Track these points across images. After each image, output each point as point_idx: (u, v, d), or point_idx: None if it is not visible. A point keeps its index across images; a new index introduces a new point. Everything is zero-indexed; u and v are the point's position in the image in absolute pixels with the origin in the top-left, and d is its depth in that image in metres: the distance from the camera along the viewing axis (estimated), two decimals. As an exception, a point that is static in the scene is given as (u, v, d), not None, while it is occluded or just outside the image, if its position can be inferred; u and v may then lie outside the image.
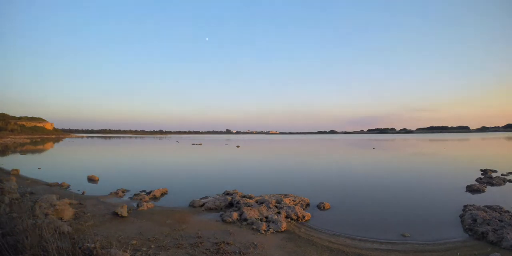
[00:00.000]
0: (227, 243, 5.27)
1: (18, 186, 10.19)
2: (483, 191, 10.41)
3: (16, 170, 14.81)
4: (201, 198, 8.93)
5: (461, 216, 7.12)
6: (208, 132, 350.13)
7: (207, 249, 4.96)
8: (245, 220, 6.72)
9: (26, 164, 19.18)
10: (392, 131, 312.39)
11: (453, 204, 8.48)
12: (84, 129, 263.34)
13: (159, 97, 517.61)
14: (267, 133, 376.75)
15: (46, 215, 6.28)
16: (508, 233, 5.42)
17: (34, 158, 25.70)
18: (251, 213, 6.93)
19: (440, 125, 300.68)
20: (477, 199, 9.13)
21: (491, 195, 9.86)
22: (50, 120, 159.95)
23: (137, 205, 8.26)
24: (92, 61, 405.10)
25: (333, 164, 20.38)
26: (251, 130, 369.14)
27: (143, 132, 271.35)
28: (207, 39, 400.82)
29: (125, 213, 7.06)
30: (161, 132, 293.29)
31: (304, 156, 28.40)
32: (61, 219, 6.41)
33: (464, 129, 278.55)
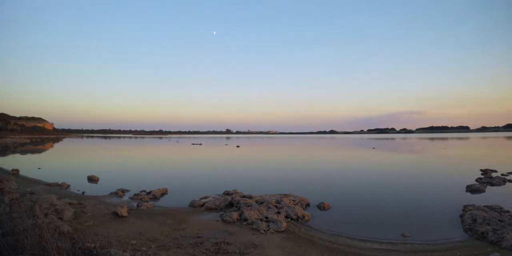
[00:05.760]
0: (227, 243, 5.27)
1: (18, 186, 10.18)
2: (483, 191, 10.41)
3: (16, 170, 14.81)
4: (201, 198, 8.93)
5: (461, 216, 7.11)
6: (208, 132, 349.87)
7: (207, 249, 4.96)
8: (245, 220, 6.72)
9: (26, 164, 19.17)
10: (392, 131, 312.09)
11: (453, 204, 8.48)
12: (84, 129, 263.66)
13: (159, 97, 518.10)
14: (267, 133, 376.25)
15: (46, 215, 6.27)
16: (508, 233, 5.42)
17: (34, 158, 25.69)
18: (251, 213, 6.92)
19: (440, 125, 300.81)
20: (477, 199, 9.12)
21: (491, 195, 9.85)
22: (50, 120, 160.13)
23: (137, 205, 8.26)
24: (92, 61, 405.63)
25: (333, 164, 20.38)
26: (251, 130, 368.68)
27: (143, 132, 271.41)
28: (214, 33, 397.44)
29: (125, 213, 7.06)
30: (161, 132, 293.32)
31: (304, 156, 28.38)
32: (61, 219, 6.41)
33: (464, 129, 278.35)
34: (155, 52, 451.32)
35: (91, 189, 10.95)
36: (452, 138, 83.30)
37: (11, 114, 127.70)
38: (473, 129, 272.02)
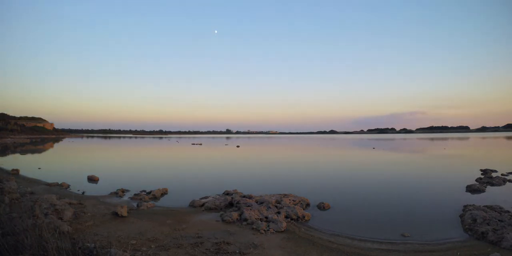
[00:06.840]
0: (227, 243, 5.27)
1: (18, 186, 10.18)
2: (483, 191, 10.41)
3: (16, 170, 14.81)
4: (201, 198, 8.93)
5: (461, 216, 7.11)
6: (208, 132, 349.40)
7: (207, 249, 4.96)
8: (245, 220, 6.72)
9: (26, 164, 19.17)
10: (392, 131, 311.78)
11: (453, 204, 8.48)
12: (84, 129, 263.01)
13: (159, 97, 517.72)
14: (267, 133, 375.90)
15: (46, 215, 6.27)
16: (508, 233, 5.42)
17: (34, 158, 25.69)
18: (251, 213, 6.92)
19: (440, 125, 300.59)
20: (477, 199, 9.13)
21: (491, 195, 9.85)
22: (50, 120, 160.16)
23: (137, 205, 8.27)
24: (92, 61, 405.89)
25: (333, 164, 20.38)
26: (251, 130, 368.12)
27: (143, 132, 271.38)
28: (215, 31, 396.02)
29: (125, 213, 7.06)
30: (161, 132, 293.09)
31: (304, 156, 28.39)
32: (61, 219, 6.41)
33: (464, 129, 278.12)
34: (155, 51, 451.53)
35: (91, 189, 10.95)
36: (452, 138, 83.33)
37: (11, 114, 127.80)
38: (473, 129, 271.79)
